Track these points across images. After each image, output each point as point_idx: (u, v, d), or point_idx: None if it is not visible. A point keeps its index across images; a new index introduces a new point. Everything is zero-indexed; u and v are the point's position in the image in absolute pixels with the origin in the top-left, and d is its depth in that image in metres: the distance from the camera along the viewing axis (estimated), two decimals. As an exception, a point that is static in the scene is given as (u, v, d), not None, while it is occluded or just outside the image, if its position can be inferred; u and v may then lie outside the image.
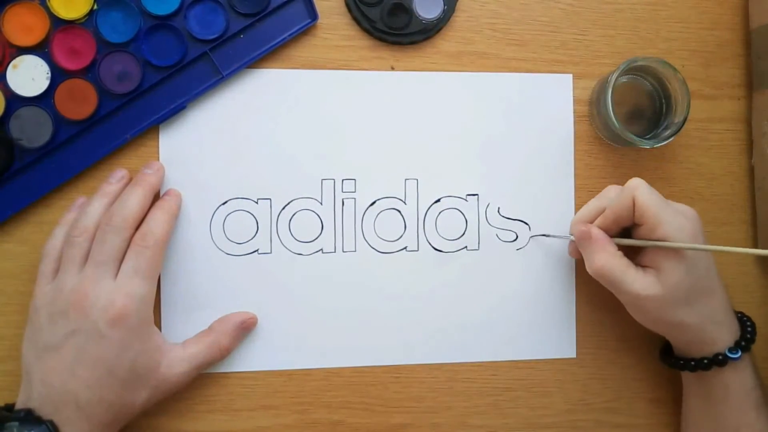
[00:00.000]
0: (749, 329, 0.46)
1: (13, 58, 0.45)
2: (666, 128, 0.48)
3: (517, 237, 0.50)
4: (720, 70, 0.52)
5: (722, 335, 0.44)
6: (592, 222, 0.46)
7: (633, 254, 0.45)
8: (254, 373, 0.48)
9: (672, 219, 0.43)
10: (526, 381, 0.50)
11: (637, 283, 0.43)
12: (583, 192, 0.51)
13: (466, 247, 0.50)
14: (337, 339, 0.49)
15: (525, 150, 0.50)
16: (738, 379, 0.45)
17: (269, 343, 0.48)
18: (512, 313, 0.50)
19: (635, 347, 0.51)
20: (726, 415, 0.45)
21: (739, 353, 0.44)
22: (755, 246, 0.52)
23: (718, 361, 0.44)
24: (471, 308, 0.50)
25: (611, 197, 0.46)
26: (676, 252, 0.43)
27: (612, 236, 0.45)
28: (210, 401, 0.48)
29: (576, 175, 0.51)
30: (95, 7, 0.46)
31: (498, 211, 0.50)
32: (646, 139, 0.47)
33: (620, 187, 0.46)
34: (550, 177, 0.50)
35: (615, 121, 0.46)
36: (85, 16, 0.45)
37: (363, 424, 0.49)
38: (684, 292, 0.43)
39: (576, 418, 0.51)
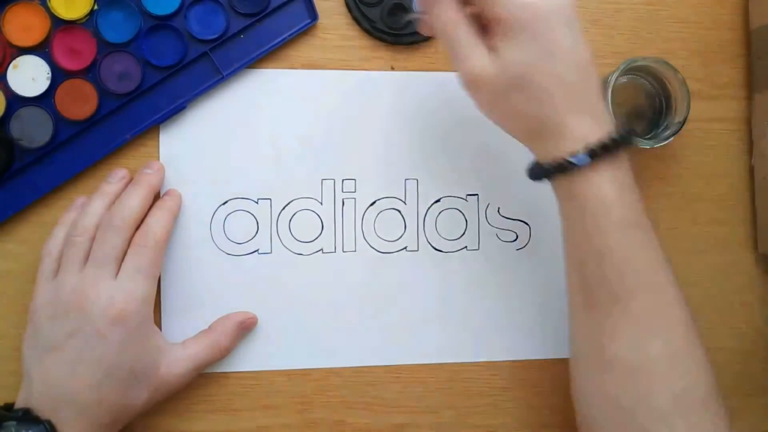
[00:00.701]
0: (615, 136, 0.37)
1: (14, 58, 0.45)
2: (666, 128, 0.48)
3: (517, 237, 0.50)
4: (720, 70, 0.52)
5: (572, 134, 0.36)
6: None
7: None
8: (254, 373, 0.48)
9: None
10: (526, 381, 0.50)
11: (475, 50, 0.37)
12: (583, 192, 0.51)
13: (466, 247, 0.50)
14: (337, 339, 0.49)
15: (525, 150, 0.50)
16: (592, 191, 0.37)
17: (269, 343, 0.48)
18: (512, 313, 0.50)
19: (635, 347, 0.51)
20: (585, 237, 0.38)
21: (584, 158, 0.36)
22: (755, 245, 0.52)
23: (558, 166, 0.37)
24: (471, 308, 0.50)
25: None
26: (510, 28, 0.36)
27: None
28: (210, 401, 0.48)
29: (576, 175, 0.51)
30: (95, 7, 0.46)
31: (498, 211, 0.50)
32: (646, 139, 0.47)
33: None
34: (550, 177, 0.50)
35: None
36: (85, 16, 0.45)
37: (363, 424, 0.49)
38: (518, 71, 0.36)
39: (575, 418, 0.51)
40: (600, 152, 0.36)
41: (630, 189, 0.38)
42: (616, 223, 0.37)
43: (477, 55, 0.37)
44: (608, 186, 0.37)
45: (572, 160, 0.36)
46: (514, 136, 0.40)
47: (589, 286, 0.39)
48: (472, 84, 0.38)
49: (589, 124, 0.37)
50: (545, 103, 0.37)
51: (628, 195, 0.38)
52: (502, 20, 0.36)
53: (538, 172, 0.39)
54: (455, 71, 0.39)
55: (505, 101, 0.38)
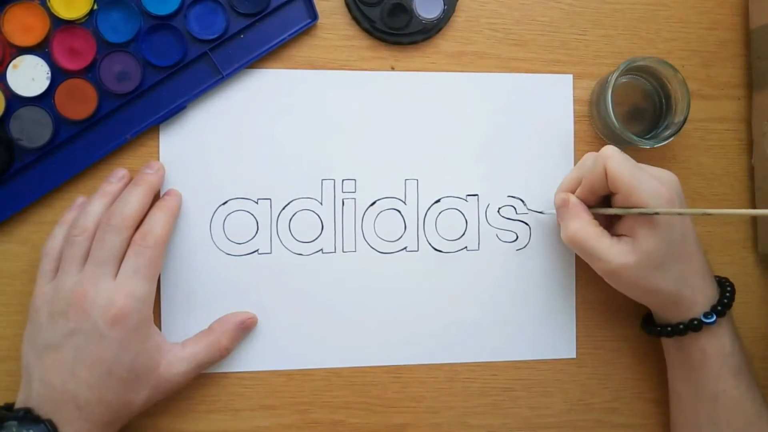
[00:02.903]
0: (727, 294, 0.45)
1: (13, 58, 0.45)
2: (666, 128, 0.48)
3: (517, 237, 0.50)
4: (720, 70, 0.52)
5: (698, 300, 0.44)
6: (573, 191, 0.46)
7: (612, 224, 0.45)
8: (254, 373, 0.48)
9: (646, 185, 0.42)
10: (526, 381, 0.50)
11: (609, 251, 0.43)
12: (583, 192, 0.51)
13: (466, 247, 0.50)
14: (337, 339, 0.49)
15: (525, 150, 0.50)
16: (715, 344, 0.44)
17: (269, 343, 0.48)
18: (512, 313, 0.50)
19: (635, 347, 0.51)
20: (704, 382, 0.45)
21: (714, 318, 0.44)
22: (755, 246, 0.52)
23: (693, 326, 0.44)
24: (471, 308, 0.50)
25: (587, 165, 0.45)
26: (650, 219, 0.42)
27: (591, 205, 0.45)
28: (210, 401, 0.48)
29: (576, 175, 0.51)
30: (95, 7, 0.46)
31: (498, 212, 0.50)
32: (646, 139, 0.47)
33: (595, 153, 0.45)
34: (550, 177, 0.50)
35: (615, 121, 0.46)
36: (85, 16, 0.45)
37: (363, 424, 0.49)
38: (658, 258, 0.43)
39: (576, 418, 0.51)
40: (722, 311, 0.44)
41: (739, 339, 0.46)
42: (731, 369, 0.44)
43: (614, 249, 0.43)
44: (727, 339, 0.44)
45: (705, 320, 0.44)
46: (645, 304, 0.47)
47: (699, 427, 0.46)
48: (614, 275, 0.44)
49: (710, 290, 0.45)
50: (683, 280, 0.44)
51: (738, 345, 0.45)
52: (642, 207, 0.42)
53: (663, 329, 0.46)
54: (594, 264, 0.44)
55: (645, 281, 0.43)
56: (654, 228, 0.42)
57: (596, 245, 0.43)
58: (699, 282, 0.45)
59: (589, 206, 0.45)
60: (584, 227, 0.44)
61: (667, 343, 0.48)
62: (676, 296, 0.44)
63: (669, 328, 0.45)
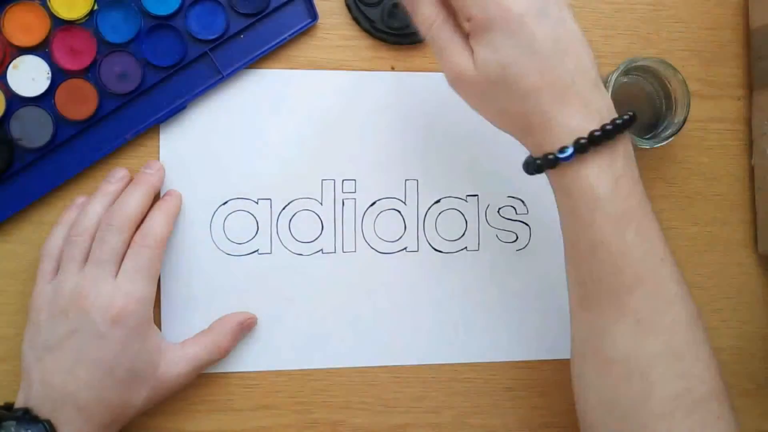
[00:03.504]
0: (616, 124, 0.35)
1: (14, 58, 0.45)
2: (666, 128, 0.48)
3: (517, 238, 0.50)
4: (720, 70, 0.52)
5: (568, 122, 0.35)
6: None
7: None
8: (254, 373, 0.48)
9: None
10: (526, 381, 0.50)
11: (460, 54, 0.36)
12: (583, 192, 0.51)
13: (466, 247, 0.50)
14: (337, 339, 0.49)
15: (525, 150, 0.50)
16: (581, 185, 0.35)
17: (269, 343, 0.48)
18: (512, 314, 0.50)
19: (635, 347, 0.51)
20: (578, 231, 0.37)
21: (571, 151, 0.34)
22: (755, 245, 0.52)
23: (548, 160, 0.35)
24: (471, 309, 0.50)
25: None
26: (504, 20, 0.34)
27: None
28: (210, 401, 0.48)
29: (576, 175, 0.51)
30: (95, 7, 0.46)
31: (498, 212, 0.50)
32: (646, 139, 0.47)
33: None
34: (550, 177, 0.50)
35: (615, 121, 0.46)
36: (85, 16, 0.45)
37: (363, 424, 0.49)
38: (507, 72, 0.35)
39: (576, 419, 0.51)
40: (588, 145, 0.34)
41: (628, 180, 0.36)
42: (609, 216, 0.35)
43: (458, 55, 0.36)
44: (599, 179, 0.35)
45: (558, 155, 0.35)
46: (506, 132, 0.39)
47: (584, 284, 0.38)
48: (456, 83, 0.38)
49: (580, 115, 0.35)
50: (529, 99, 0.35)
51: (625, 187, 0.36)
52: (475, 20, 0.35)
53: (530, 166, 0.37)
54: (442, 68, 0.38)
55: (490, 100, 0.37)
56: (487, 38, 0.35)
57: (449, 38, 0.37)
58: (562, 106, 0.35)
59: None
60: (443, 17, 0.37)
61: (550, 184, 0.38)
62: (526, 120, 0.36)
63: (526, 163, 0.37)
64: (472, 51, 0.36)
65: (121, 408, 0.42)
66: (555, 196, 0.38)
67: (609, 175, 0.35)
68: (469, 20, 0.36)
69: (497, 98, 0.36)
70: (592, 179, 0.35)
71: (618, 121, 0.35)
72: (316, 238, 0.49)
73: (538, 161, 0.36)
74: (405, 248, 0.49)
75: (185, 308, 0.47)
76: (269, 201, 0.48)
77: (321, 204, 0.49)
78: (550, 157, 0.35)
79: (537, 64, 0.35)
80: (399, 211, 0.50)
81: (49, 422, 0.39)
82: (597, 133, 0.35)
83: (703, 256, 0.52)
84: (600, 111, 0.36)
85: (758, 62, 0.51)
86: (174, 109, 0.47)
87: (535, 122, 0.36)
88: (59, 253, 0.44)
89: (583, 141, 0.34)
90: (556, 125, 0.35)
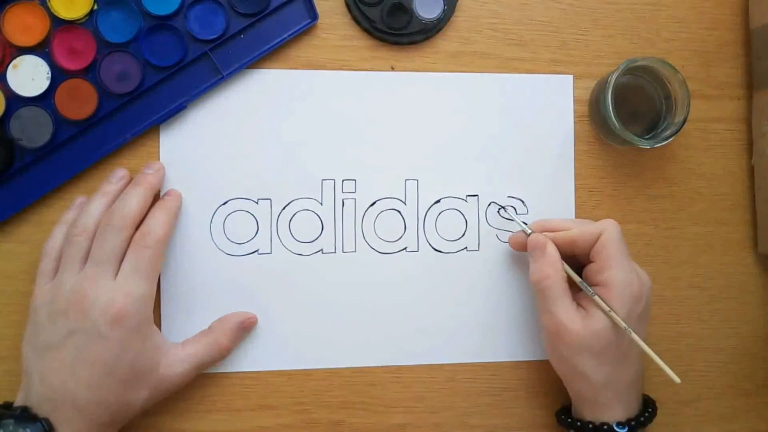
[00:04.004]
0: (647, 414, 0.45)
1: (14, 58, 0.45)
2: (666, 128, 0.48)
3: (517, 237, 0.50)
4: (720, 70, 0.52)
5: (617, 406, 0.44)
6: (553, 233, 0.46)
7: (573, 289, 0.45)
8: (254, 373, 0.48)
9: (624, 272, 0.43)
10: (526, 381, 0.50)
11: (566, 311, 0.43)
12: (583, 192, 0.51)
13: (466, 247, 0.50)
14: (337, 339, 0.49)
15: (525, 150, 0.50)
16: None
17: (269, 343, 0.48)
18: (512, 314, 0.50)
19: (635, 347, 0.51)
20: None
21: (626, 430, 0.43)
22: (755, 245, 0.52)
23: (603, 430, 0.44)
24: (471, 309, 0.50)
25: (583, 222, 0.46)
26: (608, 303, 0.43)
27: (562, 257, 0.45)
28: (210, 401, 0.48)
29: (576, 175, 0.51)
30: (95, 7, 0.46)
31: (498, 212, 0.50)
32: (646, 139, 0.47)
33: (595, 222, 0.46)
34: (550, 177, 0.50)
35: (615, 121, 0.46)
36: (85, 16, 0.45)
37: (363, 424, 0.49)
38: (600, 345, 0.43)
39: (576, 418, 0.51)
40: (635, 428, 0.44)
41: None
42: None
43: (570, 312, 0.43)
44: None
45: (616, 428, 0.43)
46: (567, 388, 0.47)
47: None
48: (555, 334, 0.44)
49: (633, 402, 0.45)
50: (611, 381, 0.43)
51: None
52: (607, 286, 0.43)
53: (573, 424, 0.45)
54: (541, 320, 0.45)
55: (578, 360, 0.43)
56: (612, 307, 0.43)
57: (558, 299, 0.43)
58: (624, 390, 0.44)
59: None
60: (557, 278, 0.44)
61: None
62: (597, 392, 0.44)
63: (579, 423, 0.45)
64: (578, 307, 0.44)
65: (120, 408, 0.42)
66: None
67: None
68: (602, 285, 0.43)
69: (583, 362, 0.43)
70: None
71: (648, 415, 0.45)
72: (316, 238, 0.49)
73: (591, 425, 0.44)
74: (405, 248, 0.49)
75: (185, 308, 0.47)
76: (269, 201, 0.48)
77: (321, 204, 0.49)
78: (605, 427, 0.44)
79: (625, 354, 0.44)
80: (399, 211, 0.49)
81: (47, 420, 0.39)
82: (641, 419, 0.44)
83: (703, 256, 0.52)
84: (638, 405, 0.46)
85: (758, 62, 0.51)
86: (174, 109, 0.47)
87: (602, 398, 0.44)
88: (59, 252, 0.44)
89: (634, 424, 0.44)
90: (616, 407, 0.44)
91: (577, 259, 0.46)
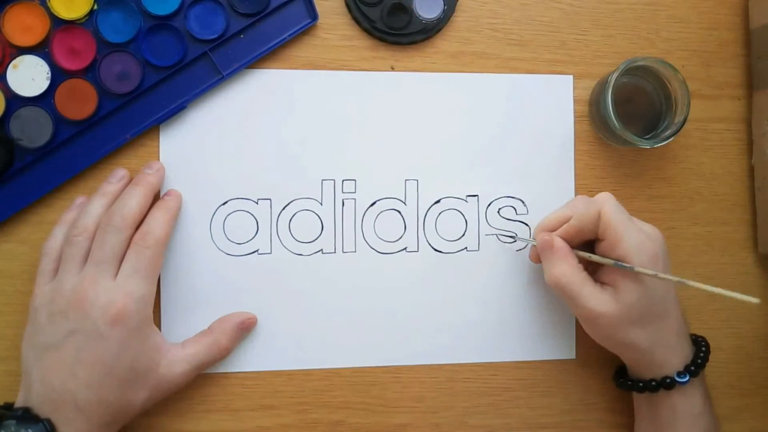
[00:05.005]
0: (702, 354, 0.45)
1: (13, 58, 0.45)
2: (666, 128, 0.48)
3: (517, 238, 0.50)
4: (720, 70, 0.52)
5: (673, 358, 0.44)
6: (555, 230, 0.45)
7: (593, 268, 0.45)
8: (254, 373, 0.48)
9: (634, 237, 0.43)
10: (526, 381, 0.50)
11: (592, 298, 0.43)
12: (583, 192, 0.51)
13: (466, 248, 0.50)
14: (337, 339, 0.49)
15: (525, 150, 0.50)
16: (686, 403, 0.45)
17: (269, 343, 0.48)
18: (512, 314, 0.50)
19: (635, 347, 0.51)
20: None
21: (687, 377, 0.44)
22: (755, 245, 0.52)
23: (666, 384, 0.44)
24: (471, 309, 0.50)
25: (579, 207, 0.45)
26: (633, 273, 0.43)
27: (574, 247, 0.45)
28: (210, 401, 0.48)
29: (576, 175, 0.51)
30: (95, 7, 0.46)
31: (498, 212, 0.50)
32: (646, 139, 0.47)
33: (589, 198, 0.46)
34: (550, 177, 0.50)
35: (615, 121, 0.46)
36: (85, 16, 0.45)
37: (363, 424, 0.49)
38: (637, 313, 0.43)
39: (576, 418, 0.51)
40: (696, 372, 0.44)
41: (710, 400, 0.46)
42: (699, 429, 0.45)
43: (597, 297, 0.43)
44: (699, 399, 0.45)
45: (678, 379, 0.44)
46: (619, 356, 0.47)
47: None
48: (591, 321, 0.44)
49: (685, 349, 0.45)
50: (659, 338, 0.44)
51: (708, 405, 0.46)
52: (624, 258, 0.43)
53: (634, 384, 0.46)
54: (575, 309, 0.44)
55: (622, 334, 0.44)
56: (637, 283, 0.43)
57: (581, 292, 0.43)
58: (674, 341, 0.45)
59: (572, 247, 0.45)
60: (570, 271, 0.44)
61: (638, 398, 0.48)
62: (650, 353, 0.44)
63: (641, 384, 0.45)
64: (604, 289, 0.44)
65: (120, 408, 0.42)
66: (648, 409, 0.46)
67: (703, 396, 0.45)
68: (620, 258, 0.43)
69: (630, 334, 0.44)
70: (694, 400, 0.45)
71: (704, 355, 0.46)
72: (316, 238, 0.49)
73: (654, 382, 0.45)
74: (405, 248, 0.49)
75: (185, 308, 0.47)
76: (269, 201, 0.48)
77: (321, 204, 0.49)
78: (668, 380, 0.44)
79: (668, 313, 0.45)
80: (399, 211, 0.49)
81: (48, 421, 0.39)
82: (698, 363, 0.45)
83: (703, 256, 0.52)
84: (690, 345, 0.46)
85: (758, 62, 0.51)
86: (174, 109, 0.47)
87: (656, 356, 0.44)
88: (59, 253, 0.44)
89: (693, 369, 0.44)
90: (673, 358, 0.45)
91: (588, 240, 0.46)
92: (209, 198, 0.48)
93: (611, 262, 0.43)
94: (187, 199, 0.47)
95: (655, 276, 0.42)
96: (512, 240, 0.49)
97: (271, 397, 0.48)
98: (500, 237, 0.49)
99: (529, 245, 0.49)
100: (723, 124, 0.52)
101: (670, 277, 0.42)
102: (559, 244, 0.44)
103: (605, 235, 0.44)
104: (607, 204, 0.44)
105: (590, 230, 0.44)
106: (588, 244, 0.46)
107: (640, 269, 0.42)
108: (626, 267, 0.43)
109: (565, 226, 0.45)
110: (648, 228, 0.45)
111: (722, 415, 0.52)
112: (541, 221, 0.47)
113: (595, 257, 0.44)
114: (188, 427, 0.47)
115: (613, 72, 0.46)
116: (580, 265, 0.44)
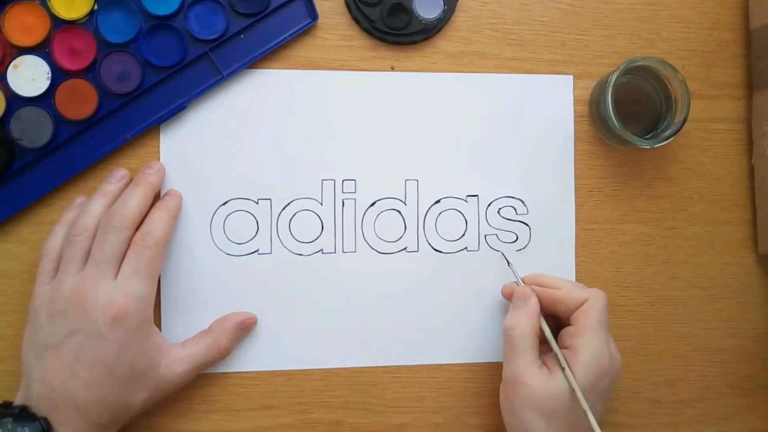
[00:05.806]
0: None
1: (14, 58, 0.45)
2: (666, 128, 0.48)
3: (517, 238, 0.50)
4: (720, 70, 0.52)
5: None
6: (542, 286, 0.46)
7: (547, 347, 0.45)
8: (254, 373, 0.48)
9: (598, 347, 0.43)
10: (526, 381, 0.50)
11: (528, 365, 0.43)
12: (583, 192, 0.51)
13: (466, 248, 0.50)
14: (337, 339, 0.49)
15: (525, 151, 0.50)
16: None
17: (269, 343, 0.48)
18: (512, 313, 0.50)
19: (634, 348, 0.51)
20: None
21: None
22: (755, 245, 0.52)
23: None
24: (471, 309, 0.50)
25: (572, 288, 0.45)
26: (572, 368, 0.42)
27: (543, 311, 0.45)
28: (210, 401, 0.48)
29: (576, 175, 0.51)
30: (95, 7, 0.46)
31: (498, 212, 0.50)
32: (646, 139, 0.47)
33: (584, 286, 0.46)
34: (550, 177, 0.50)
35: (615, 121, 0.46)
36: (85, 16, 0.46)
37: (363, 424, 0.49)
38: (553, 406, 0.42)
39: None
40: None
41: None
42: None
43: (532, 367, 0.43)
44: None
45: None
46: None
47: None
48: (512, 385, 0.43)
49: None
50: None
51: None
52: (576, 351, 0.43)
53: None
54: (506, 365, 0.44)
55: (525, 415, 0.42)
56: (566, 382, 0.42)
57: (523, 352, 0.43)
58: None
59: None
60: (528, 330, 0.44)
61: None
62: None
63: None
64: (542, 366, 0.43)
65: (120, 408, 0.42)
66: None
67: None
68: (571, 349, 0.43)
69: (525, 415, 0.42)
70: None
71: None
72: (316, 238, 0.49)
73: None
74: (405, 248, 0.49)
75: (185, 308, 0.47)
76: (269, 201, 0.48)
77: (321, 204, 0.49)
78: None
79: (579, 424, 0.43)
80: (399, 211, 0.50)
81: (45, 419, 0.39)
82: None
83: (703, 256, 0.52)
84: None
85: (758, 62, 0.51)
86: (174, 109, 0.47)
87: None
88: (59, 253, 0.44)
89: None
90: None
91: (559, 320, 0.46)
92: (209, 198, 0.48)
93: (556, 349, 0.44)
94: (188, 199, 0.47)
95: (568, 378, 0.42)
96: (513, 270, 0.49)
97: (271, 397, 0.48)
98: (508, 263, 0.49)
99: (513, 274, 0.49)
100: (723, 124, 0.52)
101: (585, 408, 0.41)
102: (534, 303, 0.45)
103: (575, 322, 0.44)
104: (595, 297, 0.44)
105: (566, 309, 0.45)
106: (558, 325, 0.46)
107: (571, 379, 0.42)
108: (562, 364, 0.43)
109: (550, 290, 0.46)
110: (615, 348, 0.44)
111: (722, 415, 0.52)
112: (537, 274, 0.48)
113: (548, 334, 0.45)
114: (188, 427, 0.47)
115: (613, 72, 0.46)
116: (539, 332, 0.45)
